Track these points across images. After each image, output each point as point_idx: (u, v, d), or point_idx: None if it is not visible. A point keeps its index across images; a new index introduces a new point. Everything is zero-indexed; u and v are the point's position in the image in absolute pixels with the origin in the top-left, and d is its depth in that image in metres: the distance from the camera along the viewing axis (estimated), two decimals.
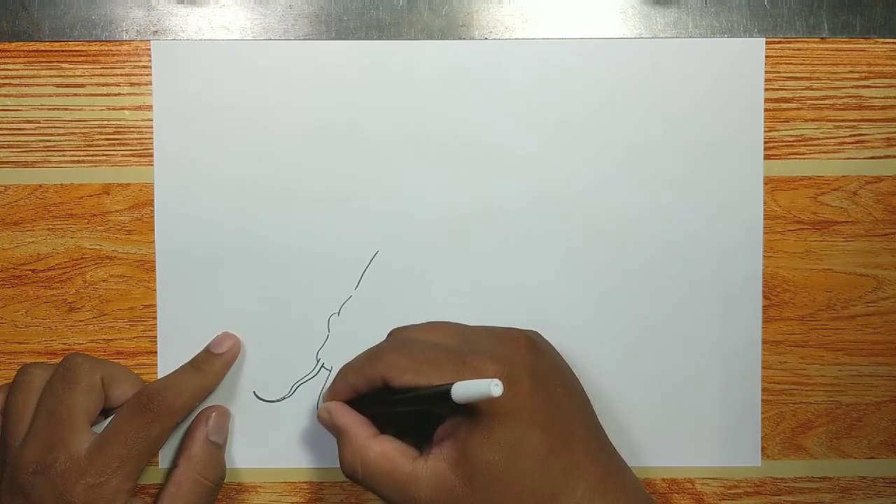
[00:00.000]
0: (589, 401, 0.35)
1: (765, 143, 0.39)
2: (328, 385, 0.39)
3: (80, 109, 0.39)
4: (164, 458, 0.39)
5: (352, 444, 0.34)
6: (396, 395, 0.33)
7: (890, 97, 0.39)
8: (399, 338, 0.36)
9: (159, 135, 0.39)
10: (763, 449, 0.39)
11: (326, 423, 0.36)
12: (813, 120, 0.39)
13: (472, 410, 0.32)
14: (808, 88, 0.39)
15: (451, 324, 0.36)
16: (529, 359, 0.34)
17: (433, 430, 0.34)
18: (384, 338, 0.37)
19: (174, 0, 0.39)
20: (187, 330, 0.39)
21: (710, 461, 0.39)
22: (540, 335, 0.36)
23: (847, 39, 0.39)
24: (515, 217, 0.39)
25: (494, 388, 0.29)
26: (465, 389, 0.29)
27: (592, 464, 0.33)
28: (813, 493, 0.40)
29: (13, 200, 0.39)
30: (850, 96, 0.39)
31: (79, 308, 0.39)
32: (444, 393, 0.30)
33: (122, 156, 0.39)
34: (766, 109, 0.39)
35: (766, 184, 0.39)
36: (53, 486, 0.34)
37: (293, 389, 0.39)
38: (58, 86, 0.39)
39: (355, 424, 0.35)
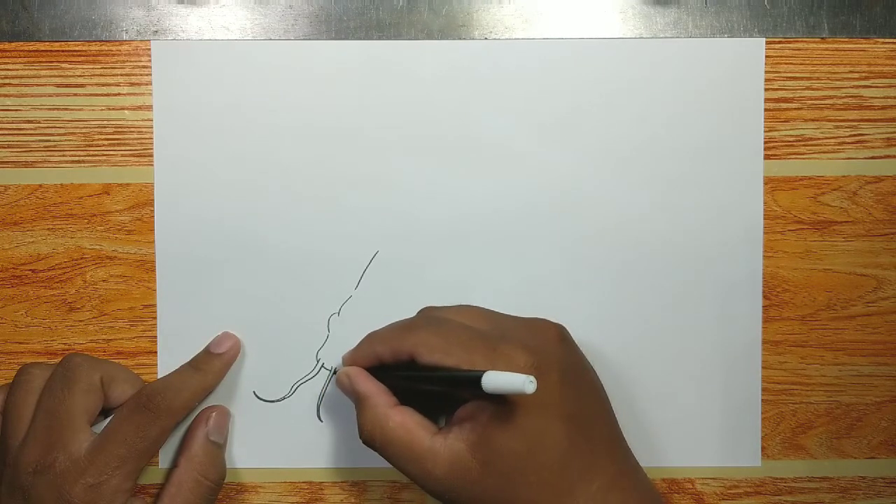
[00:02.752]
0: (608, 398, 0.35)
1: (765, 143, 0.39)
2: (329, 386, 0.39)
3: (80, 109, 0.39)
4: (164, 458, 0.39)
5: (372, 412, 0.34)
6: (423, 373, 0.33)
7: (890, 97, 0.39)
8: (431, 316, 0.36)
9: (159, 135, 0.39)
10: (763, 449, 0.39)
11: (346, 388, 0.36)
12: (813, 120, 0.39)
13: (497, 398, 0.32)
14: (808, 88, 0.39)
15: (484, 309, 0.36)
16: (559, 351, 0.34)
17: (446, 406, 0.34)
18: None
19: (174, 0, 0.39)
20: (187, 330, 0.39)
21: (710, 461, 0.39)
22: (566, 329, 0.36)
23: (847, 39, 0.39)
24: (515, 217, 0.39)
25: (528, 385, 0.28)
26: (496, 380, 0.29)
27: (609, 461, 0.33)
28: (813, 493, 0.40)
29: (13, 200, 0.39)
30: (850, 96, 0.39)
31: (79, 308, 0.39)
32: (475, 380, 0.30)
33: (122, 156, 0.39)
34: (766, 109, 0.39)
35: (766, 184, 0.39)
36: (53, 485, 0.34)
37: (293, 389, 0.39)
38: (58, 86, 0.39)
39: (376, 392, 0.35)
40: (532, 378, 0.28)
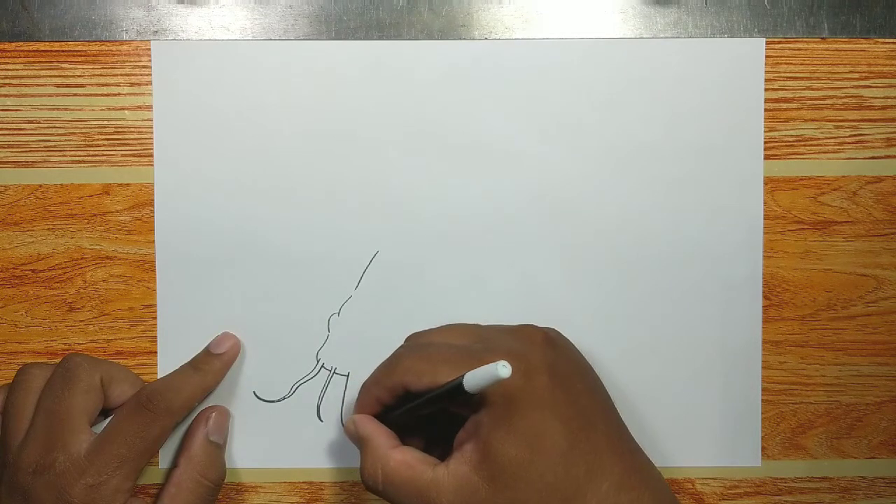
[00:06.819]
0: (610, 398, 0.35)
1: (765, 143, 0.39)
2: (329, 386, 0.39)
3: (80, 109, 0.39)
4: (164, 458, 0.39)
5: (373, 454, 0.34)
6: (415, 402, 0.33)
7: (890, 97, 0.39)
8: (415, 343, 0.36)
9: (159, 135, 0.39)
10: (763, 449, 0.39)
11: (351, 434, 0.35)
12: (813, 120, 0.39)
13: (491, 410, 0.32)
14: (808, 88, 0.39)
15: (467, 325, 0.36)
16: (547, 354, 0.34)
17: (452, 439, 0.33)
18: (385, 338, 0.37)
19: (174, 0, 0.39)
20: (187, 330, 0.39)
21: (710, 461, 0.39)
22: (558, 332, 0.36)
23: (847, 39, 0.39)
24: (515, 217, 0.39)
25: (502, 369, 0.29)
26: (475, 378, 0.30)
27: (616, 459, 0.33)
28: (813, 493, 0.40)
29: (13, 200, 0.39)
30: (850, 96, 0.39)
31: (79, 308, 0.39)
32: (458, 386, 0.30)
33: (122, 156, 0.39)
34: (766, 109, 0.39)
35: (766, 184, 0.39)
36: (53, 486, 0.34)
37: (293, 389, 0.39)
38: (58, 86, 0.39)
39: (377, 435, 0.34)
40: (504, 362, 0.29)
